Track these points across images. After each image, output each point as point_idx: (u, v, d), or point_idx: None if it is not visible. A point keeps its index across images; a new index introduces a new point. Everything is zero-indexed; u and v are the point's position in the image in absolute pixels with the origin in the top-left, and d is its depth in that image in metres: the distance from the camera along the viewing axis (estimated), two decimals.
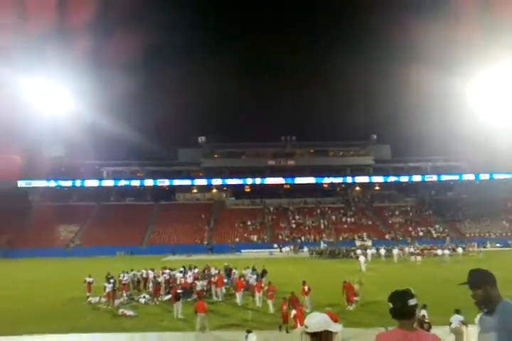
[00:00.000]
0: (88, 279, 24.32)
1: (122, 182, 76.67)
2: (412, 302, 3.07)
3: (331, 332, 3.07)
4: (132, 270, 27.75)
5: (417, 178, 77.21)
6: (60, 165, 77.79)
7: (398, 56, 66.86)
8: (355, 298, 19.77)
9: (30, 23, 57.24)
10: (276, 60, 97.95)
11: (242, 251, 57.68)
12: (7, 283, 32.30)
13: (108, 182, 76.75)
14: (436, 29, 63.40)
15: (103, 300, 21.99)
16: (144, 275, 27.33)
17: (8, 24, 53.95)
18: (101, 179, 77.25)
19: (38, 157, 76.11)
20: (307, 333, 3.10)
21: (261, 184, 77.27)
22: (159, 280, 25.15)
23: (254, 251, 57.08)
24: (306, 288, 19.45)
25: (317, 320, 3.09)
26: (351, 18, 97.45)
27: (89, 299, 22.65)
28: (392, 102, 74.54)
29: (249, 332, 12.67)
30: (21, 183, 74.86)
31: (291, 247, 57.02)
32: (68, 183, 76.21)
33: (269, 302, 19.86)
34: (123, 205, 73.70)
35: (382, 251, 46.77)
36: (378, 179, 77.88)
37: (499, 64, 60.87)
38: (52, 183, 75.67)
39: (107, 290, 22.01)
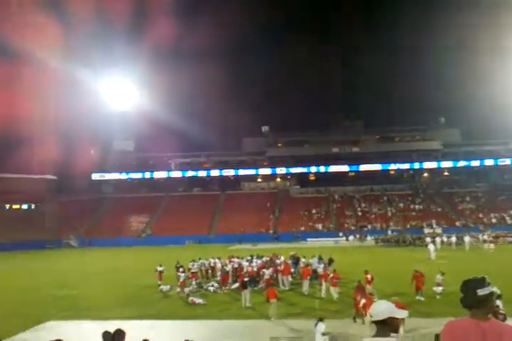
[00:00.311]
0: (159, 268, 25.43)
1: (189, 173, 78.97)
2: (481, 291, 2.95)
3: (396, 318, 3.11)
4: (200, 259, 28.61)
5: (489, 162, 73.60)
6: (130, 159, 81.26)
7: (467, 34, 63.45)
8: (440, 289, 19.31)
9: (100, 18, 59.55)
10: (337, 44, 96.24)
11: (308, 239, 57.77)
12: (84, 271, 34.39)
13: (176, 174, 79.34)
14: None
15: (178, 289, 22.80)
16: (212, 264, 28.09)
17: (81, 22, 56.53)
18: (169, 171, 79.95)
19: (110, 151, 79.90)
20: (373, 321, 3.18)
21: (325, 172, 76.79)
22: (227, 269, 25.81)
23: (320, 239, 56.98)
24: (368, 276, 19.30)
25: (381, 308, 3.14)
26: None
27: (161, 287, 23.65)
28: (460, 83, 71.09)
29: (320, 320, 12.65)
30: (95, 176, 78.94)
31: (357, 236, 56.40)
32: (138, 175, 79.53)
33: (332, 289, 20.00)
34: (190, 195, 75.83)
35: (453, 239, 45.37)
36: (447, 164, 75.04)
37: None
38: (123, 176, 79.25)
39: (181, 279, 22.85)
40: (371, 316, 3.21)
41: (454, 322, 3.01)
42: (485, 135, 74.14)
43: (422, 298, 18.92)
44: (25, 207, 72.36)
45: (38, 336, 11.42)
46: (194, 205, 68.45)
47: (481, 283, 3.01)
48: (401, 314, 3.14)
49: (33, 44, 53.59)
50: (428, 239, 45.34)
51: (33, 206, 72.66)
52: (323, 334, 11.95)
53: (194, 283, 24.36)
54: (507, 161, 73.08)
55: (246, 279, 20.47)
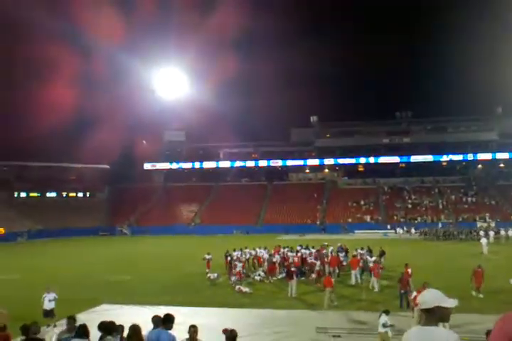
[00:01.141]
0: (207, 256, 26.05)
1: (238, 164, 79.71)
2: None
3: (444, 307, 3.08)
4: (246, 248, 28.99)
5: None
6: (181, 149, 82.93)
7: None
8: None
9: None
10: (388, 32, 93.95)
11: (356, 231, 57.26)
12: (136, 258, 35.60)
13: (225, 164, 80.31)
14: None
15: (236, 278, 23.05)
16: (259, 254, 28.35)
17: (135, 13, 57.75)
18: (218, 161, 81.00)
19: (162, 141, 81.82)
20: (421, 310, 3.17)
21: (374, 163, 75.59)
22: (274, 259, 26.04)
23: (368, 231, 56.36)
24: (409, 270, 18.88)
25: (429, 297, 3.13)
26: None
27: (209, 275, 24.19)
28: None
29: (384, 312, 12.41)
30: (147, 166, 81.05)
31: (404, 228, 54.74)
32: (188, 165, 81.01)
33: (374, 280, 19.84)
34: (238, 185, 76.56)
35: (510, 233, 44.01)
36: (503, 155, 72.07)
37: None
38: (174, 165, 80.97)
39: (238, 269, 23.28)
40: (419, 304, 3.20)
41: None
42: None
43: (481, 295, 18.21)
44: (80, 195, 75.37)
45: (92, 318, 12.01)
46: (242, 195, 69.17)
47: None
48: (450, 303, 3.09)
49: (89, 34, 55.34)
50: (481, 233, 44.11)
51: (87, 194, 75.58)
52: (386, 326, 11.88)
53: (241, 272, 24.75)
54: None
55: (292, 269, 20.65)
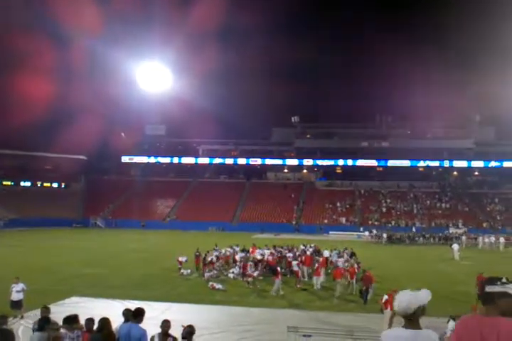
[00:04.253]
0: (180, 258, 25.27)
1: (217, 160, 79.56)
2: (489, 288, 3.02)
3: (425, 307, 3.11)
4: (216, 246, 28.97)
5: None
6: (161, 143, 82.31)
7: (503, 30, 61.64)
8: None
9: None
10: (370, 37, 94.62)
11: (330, 232, 57.66)
12: (109, 251, 35.23)
13: (204, 160, 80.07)
14: None
15: (209, 274, 23.07)
16: (232, 252, 28.27)
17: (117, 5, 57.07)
18: (197, 157, 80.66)
19: (142, 135, 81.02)
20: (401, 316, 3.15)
21: (353, 165, 76.28)
22: (248, 257, 26.06)
23: (342, 233, 56.81)
24: (369, 275, 18.97)
25: (407, 301, 3.13)
26: None
27: (182, 271, 24.06)
28: (498, 78, 68.95)
29: (452, 318, 11.94)
30: (125, 159, 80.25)
31: (374, 231, 54.48)
32: (167, 160, 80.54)
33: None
34: (216, 182, 76.39)
35: (482, 240, 45.14)
36: (478, 164, 73.51)
37: None
38: (152, 159, 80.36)
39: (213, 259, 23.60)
40: (397, 310, 3.18)
41: (465, 317, 3.09)
42: None
43: None
44: (55, 185, 74.20)
45: (58, 311, 11.82)
46: (219, 192, 68.97)
47: (492, 281, 3.08)
48: (426, 297, 3.13)
49: (69, 27, 54.47)
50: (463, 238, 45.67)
51: (62, 185, 74.45)
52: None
53: (215, 268, 24.68)
54: None
55: (268, 268, 20.63)
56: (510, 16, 61.80)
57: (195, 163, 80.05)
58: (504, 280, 3.08)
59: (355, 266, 22.00)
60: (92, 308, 14.75)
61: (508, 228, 56.95)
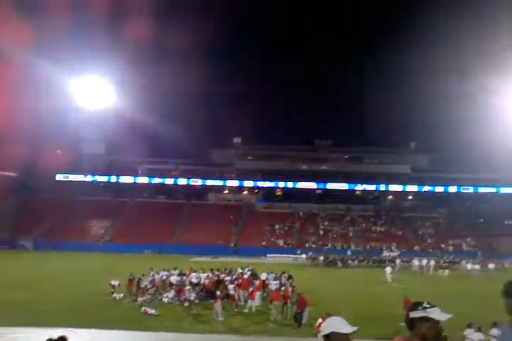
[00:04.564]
0: (113, 282, 24.48)
1: (156, 180, 78.17)
2: (412, 314, 3.10)
3: (340, 334, 3.06)
4: (152, 269, 28.20)
5: (452, 189, 75.53)
6: (98, 161, 79.92)
7: (441, 61, 65.36)
8: None
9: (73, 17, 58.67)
10: (313, 62, 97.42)
11: (268, 255, 57.64)
12: (36, 275, 33.41)
13: (142, 180, 78.44)
14: (479, 37, 61.97)
15: (143, 299, 22.26)
16: (168, 276, 27.55)
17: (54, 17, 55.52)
18: (136, 176, 78.95)
19: (79, 152, 78.46)
20: (322, 336, 3.17)
21: (292, 188, 77.20)
22: (184, 280, 25.52)
23: (280, 255, 56.97)
24: (304, 298, 19.09)
25: (328, 323, 3.15)
26: (394, 27, 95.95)
27: (114, 295, 23.18)
28: (433, 110, 72.91)
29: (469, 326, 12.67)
30: (59, 177, 77.23)
31: (309, 254, 54.49)
32: (104, 179, 78.22)
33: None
34: (155, 203, 74.87)
35: (417, 263, 46.58)
36: (412, 188, 76.56)
37: None
38: (88, 178, 77.82)
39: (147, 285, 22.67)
40: (321, 331, 3.20)
41: None
42: (452, 162, 76.12)
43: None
44: None
45: None
46: (157, 213, 67.52)
47: (414, 306, 3.14)
48: (347, 329, 3.08)
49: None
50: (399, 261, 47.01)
51: None
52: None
53: (149, 293, 23.97)
54: (470, 189, 75.06)
55: (204, 293, 20.27)
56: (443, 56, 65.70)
57: (134, 183, 78.19)
58: (425, 304, 3.14)
59: (290, 289, 22.05)
60: (13, 340, 13.82)
61: (438, 251, 59.25)
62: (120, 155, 79.39)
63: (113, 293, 23.44)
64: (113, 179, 77.84)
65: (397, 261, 49.04)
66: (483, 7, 61.28)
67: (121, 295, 23.11)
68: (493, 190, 75.38)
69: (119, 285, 24.31)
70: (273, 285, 24.42)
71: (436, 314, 3.10)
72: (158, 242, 60.85)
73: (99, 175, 77.92)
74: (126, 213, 70.76)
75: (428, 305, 3.14)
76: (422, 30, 70.40)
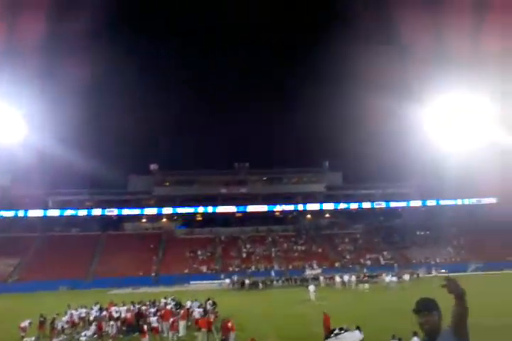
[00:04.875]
0: (23, 324, 22.46)
1: (69, 212, 73.99)
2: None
3: None
4: (69, 307, 26.36)
5: (366, 205, 78.53)
6: (4, 194, 74.45)
7: (350, 82, 68.85)
8: None
9: None
10: (230, 85, 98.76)
11: (191, 282, 56.21)
12: None
13: (53, 212, 73.89)
14: (391, 58, 66.01)
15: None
16: (83, 315, 25.81)
17: None
18: (46, 209, 74.29)
19: None
20: None
21: (212, 212, 76.49)
22: (103, 316, 24.05)
23: (204, 282, 55.83)
24: (229, 324, 18.73)
25: None
26: (311, 49, 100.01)
27: (25, 339, 21.27)
28: (344, 130, 76.10)
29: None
30: None
31: (235, 278, 53.58)
32: (11, 214, 72.84)
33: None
34: (68, 236, 70.88)
35: (338, 279, 47.32)
36: (329, 206, 78.66)
37: (450, 94, 64.36)
38: None
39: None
40: None
41: None
42: (364, 179, 79.53)
43: None
44: None
45: None
46: (71, 247, 63.90)
47: (329, 334, 3.13)
48: None
49: None
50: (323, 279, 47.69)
51: None
52: None
53: (63, 333, 22.30)
54: (382, 204, 78.50)
55: (124, 327, 19.17)
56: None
57: (44, 216, 73.52)
58: (337, 331, 3.05)
59: (212, 316, 21.55)
60: None
61: (357, 266, 60.92)
62: (28, 187, 74.59)
63: (23, 337, 21.50)
64: (20, 213, 72.75)
65: (321, 278, 49.76)
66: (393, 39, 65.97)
67: (33, 338, 21.23)
68: (403, 204, 79.39)
69: (30, 324, 22.39)
70: (197, 312, 23.66)
71: (347, 339, 3.02)
72: (73, 277, 57.39)
73: (5, 209, 72.55)
74: (37, 249, 66.23)
75: (340, 332, 3.06)
76: (333, 57, 74.13)
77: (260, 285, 49.68)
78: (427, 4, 62.39)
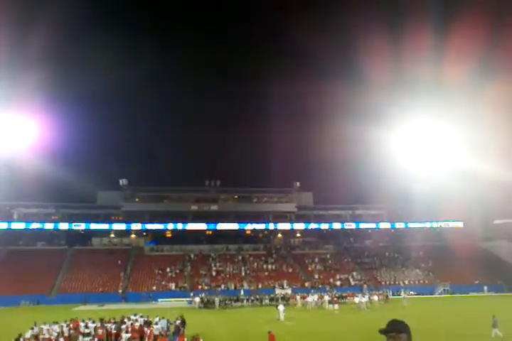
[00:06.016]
0: None
1: (34, 225, 71.85)
2: None
3: None
4: (35, 324, 25.47)
5: (336, 226, 78.95)
6: None
7: (320, 106, 70.18)
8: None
9: None
10: (199, 103, 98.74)
11: (159, 300, 55.22)
12: None
13: (18, 225, 71.68)
14: (355, 85, 67.67)
15: None
16: (45, 333, 24.94)
17: None
18: (10, 221, 72.10)
19: None
20: None
21: (182, 229, 75.58)
22: (72, 334, 23.42)
23: (172, 300, 54.95)
24: None
25: None
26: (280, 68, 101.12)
27: None
28: (315, 151, 77.06)
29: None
30: None
31: (202, 295, 52.79)
32: None
33: None
34: (33, 250, 68.81)
35: (309, 299, 47.29)
36: (300, 226, 78.79)
37: (417, 119, 66.38)
38: None
39: None
40: None
41: None
42: (334, 200, 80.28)
43: None
44: None
45: None
46: (36, 261, 62.14)
47: None
48: None
49: None
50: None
51: None
52: None
53: None
54: (352, 225, 79.17)
55: None
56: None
57: (8, 229, 71.24)
58: None
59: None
60: None
61: (327, 286, 61.03)
62: None
63: None
64: None
65: (298, 297, 49.48)
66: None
67: None
68: (373, 225, 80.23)
69: None
70: (156, 330, 23.37)
71: None
72: (37, 292, 55.67)
73: None
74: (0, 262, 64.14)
75: None
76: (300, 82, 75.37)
77: (217, 305, 48.55)
78: (391, 32, 64.70)
